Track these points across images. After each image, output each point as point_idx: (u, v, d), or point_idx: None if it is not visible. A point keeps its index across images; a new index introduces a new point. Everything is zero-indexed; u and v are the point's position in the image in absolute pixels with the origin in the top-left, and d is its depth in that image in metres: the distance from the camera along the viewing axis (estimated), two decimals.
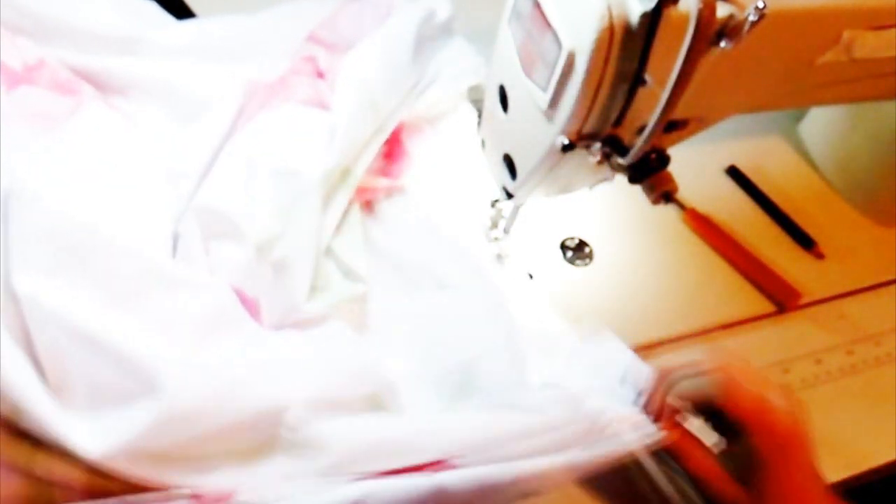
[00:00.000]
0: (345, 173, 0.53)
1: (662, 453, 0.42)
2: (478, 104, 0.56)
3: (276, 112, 0.53)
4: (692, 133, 0.49)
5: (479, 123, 0.56)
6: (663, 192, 0.44)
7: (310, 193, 0.50)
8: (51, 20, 0.54)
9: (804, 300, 0.61)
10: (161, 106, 0.55)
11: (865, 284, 0.64)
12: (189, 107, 0.54)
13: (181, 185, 0.50)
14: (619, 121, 0.43)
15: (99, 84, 0.54)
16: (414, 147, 0.58)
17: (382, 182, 0.56)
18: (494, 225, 0.57)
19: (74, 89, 0.52)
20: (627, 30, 0.38)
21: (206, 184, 0.50)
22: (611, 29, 0.38)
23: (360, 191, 0.55)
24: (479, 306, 0.51)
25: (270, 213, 0.49)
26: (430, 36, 0.60)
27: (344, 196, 0.53)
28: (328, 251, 0.52)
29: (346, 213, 0.54)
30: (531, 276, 0.57)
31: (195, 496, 0.38)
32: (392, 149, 0.57)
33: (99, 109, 0.51)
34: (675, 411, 0.43)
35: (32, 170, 0.45)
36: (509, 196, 0.52)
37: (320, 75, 0.57)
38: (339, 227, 0.53)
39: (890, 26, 0.47)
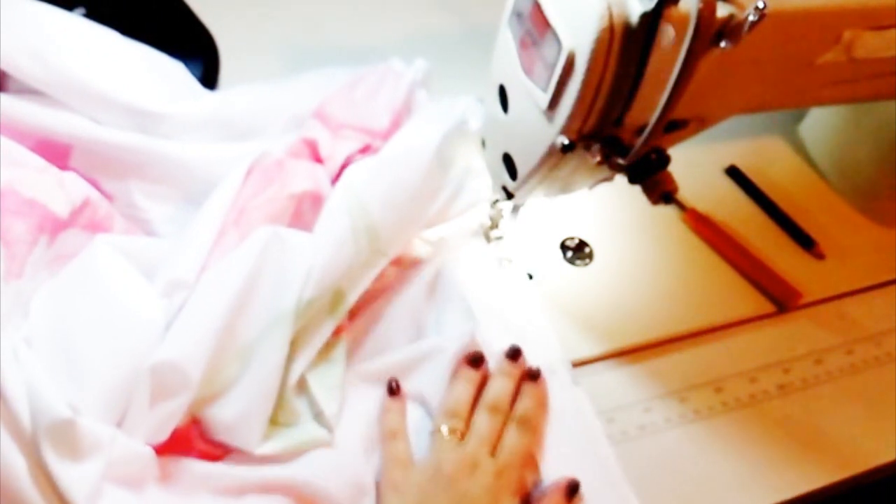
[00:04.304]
0: (336, 301, 0.49)
1: None
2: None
3: (257, 236, 0.47)
4: (692, 133, 0.49)
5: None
6: (663, 193, 0.44)
7: (276, 329, 0.46)
8: (78, 82, 0.51)
9: (804, 300, 0.61)
10: (177, 187, 0.53)
11: (865, 284, 0.63)
12: (204, 187, 0.52)
13: (176, 297, 0.45)
14: (619, 121, 0.43)
15: (118, 160, 0.52)
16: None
17: None
18: (494, 225, 0.57)
19: (107, 226, 0.50)
20: (627, 30, 0.38)
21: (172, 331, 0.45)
22: (611, 29, 0.38)
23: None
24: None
25: (229, 358, 0.45)
26: (453, 150, 0.54)
27: (329, 327, 0.48)
28: (301, 386, 0.48)
29: (330, 344, 0.49)
30: (531, 276, 0.57)
31: None
32: None
33: (105, 251, 0.47)
34: None
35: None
36: (509, 196, 0.52)
37: (319, 160, 0.54)
38: (319, 357, 0.48)
39: (890, 26, 0.47)
